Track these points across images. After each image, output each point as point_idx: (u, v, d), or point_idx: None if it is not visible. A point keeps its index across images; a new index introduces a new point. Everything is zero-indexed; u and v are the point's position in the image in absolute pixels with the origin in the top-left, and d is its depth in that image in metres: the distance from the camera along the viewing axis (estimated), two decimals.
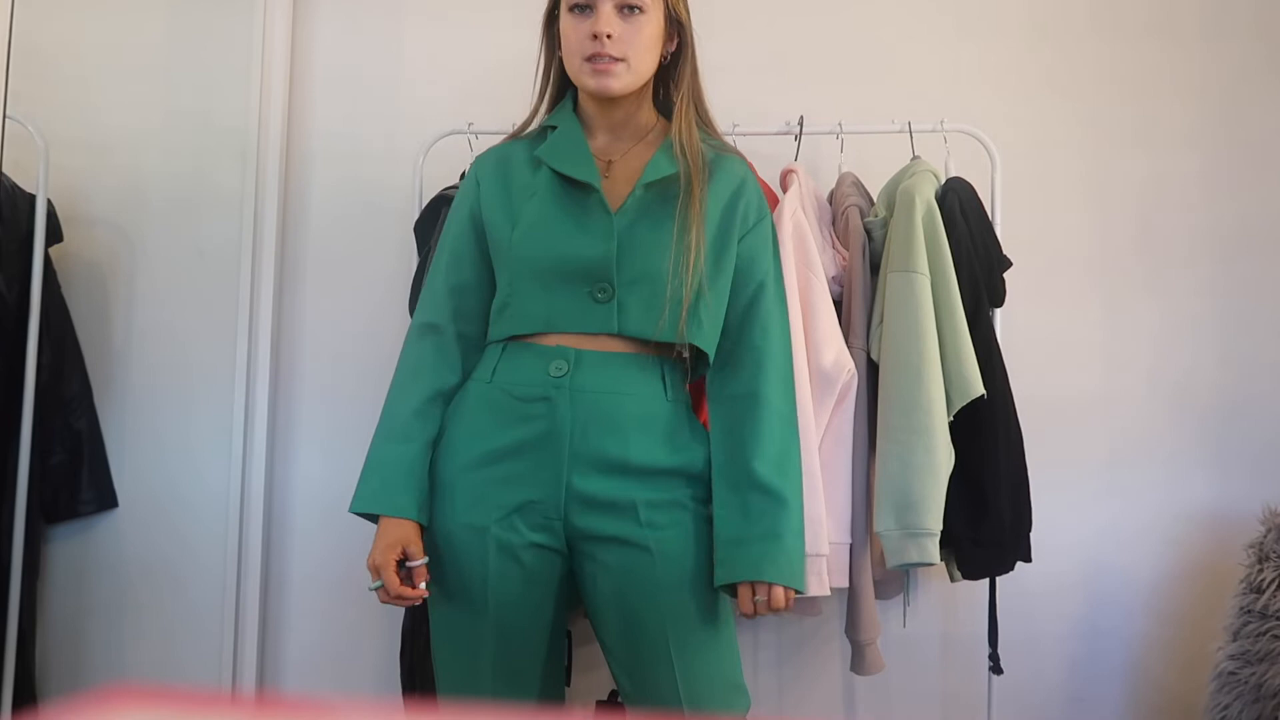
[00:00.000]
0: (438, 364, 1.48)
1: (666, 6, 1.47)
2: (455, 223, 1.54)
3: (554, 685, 1.51)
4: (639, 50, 1.43)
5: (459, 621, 1.43)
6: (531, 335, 1.45)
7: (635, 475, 1.40)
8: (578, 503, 1.39)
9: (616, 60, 1.41)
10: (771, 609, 1.37)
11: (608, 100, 1.48)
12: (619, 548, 1.39)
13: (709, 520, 1.44)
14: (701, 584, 1.41)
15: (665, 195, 1.46)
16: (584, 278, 1.42)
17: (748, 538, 1.38)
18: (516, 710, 1.39)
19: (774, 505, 1.39)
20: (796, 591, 1.39)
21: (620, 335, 1.43)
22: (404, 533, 1.41)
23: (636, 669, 1.42)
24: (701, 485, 1.45)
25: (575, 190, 1.45)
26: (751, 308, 1.48)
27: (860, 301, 1.96)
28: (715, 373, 1.50)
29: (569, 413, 1.39)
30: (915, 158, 2.06)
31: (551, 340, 1.43)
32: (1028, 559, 1.95)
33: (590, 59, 1.42)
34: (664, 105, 1.56)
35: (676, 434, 1.45)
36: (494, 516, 1.40)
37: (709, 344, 1.47)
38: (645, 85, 1.50)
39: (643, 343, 1.44)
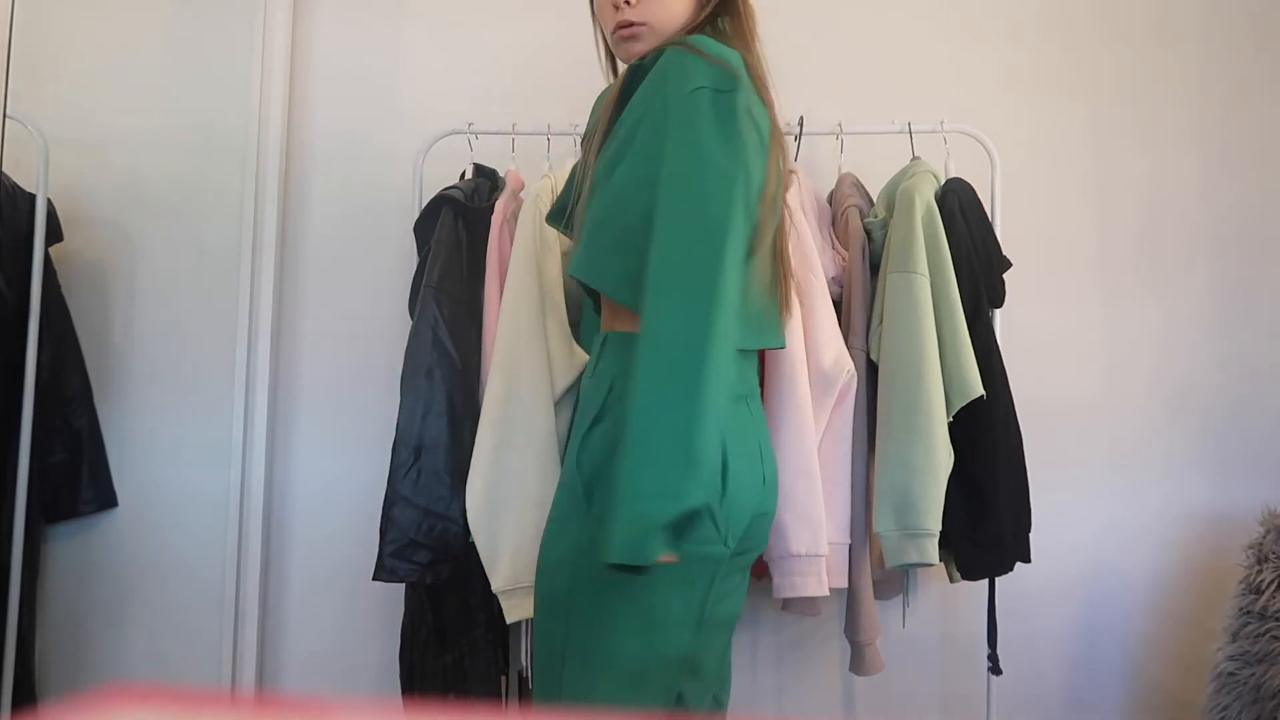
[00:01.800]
0: None
1: None
2: None
3: None
4: (657, 10, 1.40)
5: None
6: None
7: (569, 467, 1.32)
8: None
9: (638, 25, 1.40)
10: None
11: None
12: None
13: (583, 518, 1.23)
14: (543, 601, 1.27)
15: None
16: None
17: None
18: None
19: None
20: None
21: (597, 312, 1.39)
22: None
23: None
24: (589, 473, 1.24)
25: None
26: (651, 218, 1.19)
27: (860, 302, 1.96)
28: None
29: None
30: (915, 158, 2.06)
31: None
32: (1027, 559, 1.95)
33: (617, 29, 1.41)
34: None
35: (588, 412, 1.28)
36: None
37: (593, 276, 1.26)
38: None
39: (610, 319, 1.35)
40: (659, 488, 1.10)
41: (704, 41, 1.29)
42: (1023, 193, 2.25)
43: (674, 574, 1.20)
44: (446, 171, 2.17)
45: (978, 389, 1.85)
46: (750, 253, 1.27)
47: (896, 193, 1.96)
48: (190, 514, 2.32)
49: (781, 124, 2.09)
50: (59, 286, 2.18)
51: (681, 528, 1.12)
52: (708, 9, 1.41)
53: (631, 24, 1.39)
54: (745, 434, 1.32)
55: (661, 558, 1.11)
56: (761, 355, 1.88)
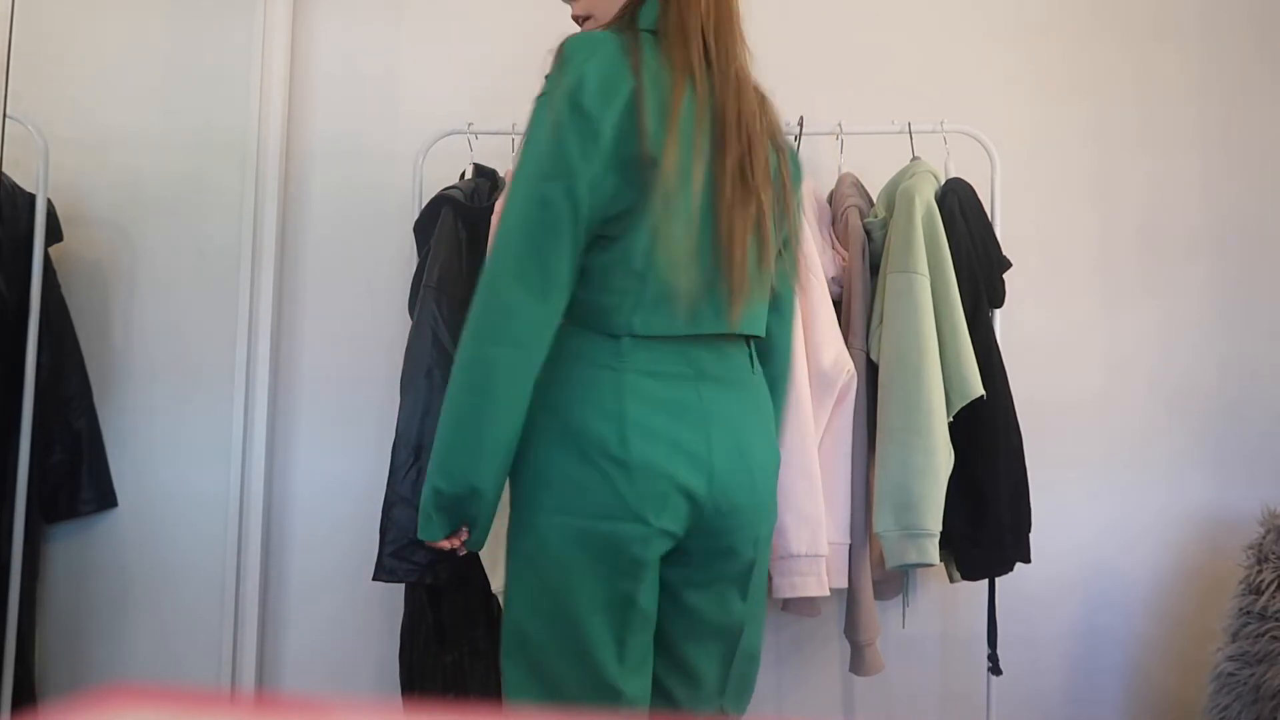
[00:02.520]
0: None
1: None
2: None
3: None
4: (596, 1, 1.35)
5: None
6: None
7: None
8: None
9: (583, 20, 1.38)
10: None
11: None
12: None
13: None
14: None
15: None
16: None
17: None
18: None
19: None
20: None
21: None
22: None
23: None
24: None
25: None
26: None
27: (860, 302, 1.96)
28: None
29: None
30: (915, 158, 2.06)
31: None
32: (1027, 560, 1.95)
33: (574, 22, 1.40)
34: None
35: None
36: None
37: None
38: None
39: None
40: (435, 466, 1.22)
41: (570, 39, 1.28)
42: (1023, 193, 2.25)
43: (567, 551, 1.22)
44: (446, 171, 2.17)
45: (978, 389, 1.85)
46: (614, 236, 1.23)
47: (896, 193, 1.96)
48: (190, 514, 2.32)
49: (781, 124, 2.11)
50: (59, 286, 2.18)
51: (456, 514, 1.22)
52: None
53: (577, 19, 1.39)
54: (672, 410, 1.24)
55: (444, 540, 1.24)
56: (760, 356, 1.87)
